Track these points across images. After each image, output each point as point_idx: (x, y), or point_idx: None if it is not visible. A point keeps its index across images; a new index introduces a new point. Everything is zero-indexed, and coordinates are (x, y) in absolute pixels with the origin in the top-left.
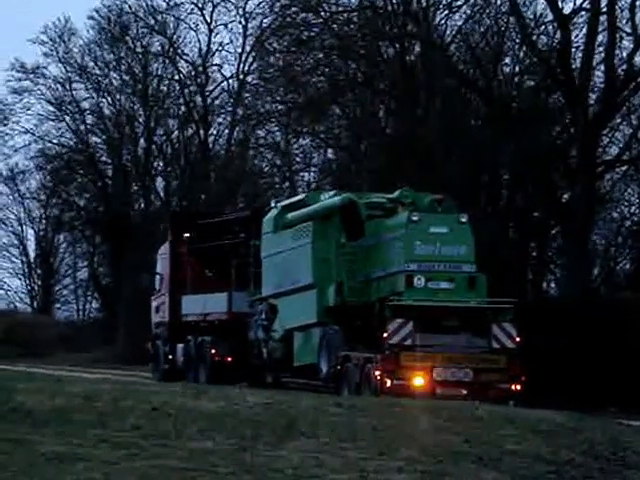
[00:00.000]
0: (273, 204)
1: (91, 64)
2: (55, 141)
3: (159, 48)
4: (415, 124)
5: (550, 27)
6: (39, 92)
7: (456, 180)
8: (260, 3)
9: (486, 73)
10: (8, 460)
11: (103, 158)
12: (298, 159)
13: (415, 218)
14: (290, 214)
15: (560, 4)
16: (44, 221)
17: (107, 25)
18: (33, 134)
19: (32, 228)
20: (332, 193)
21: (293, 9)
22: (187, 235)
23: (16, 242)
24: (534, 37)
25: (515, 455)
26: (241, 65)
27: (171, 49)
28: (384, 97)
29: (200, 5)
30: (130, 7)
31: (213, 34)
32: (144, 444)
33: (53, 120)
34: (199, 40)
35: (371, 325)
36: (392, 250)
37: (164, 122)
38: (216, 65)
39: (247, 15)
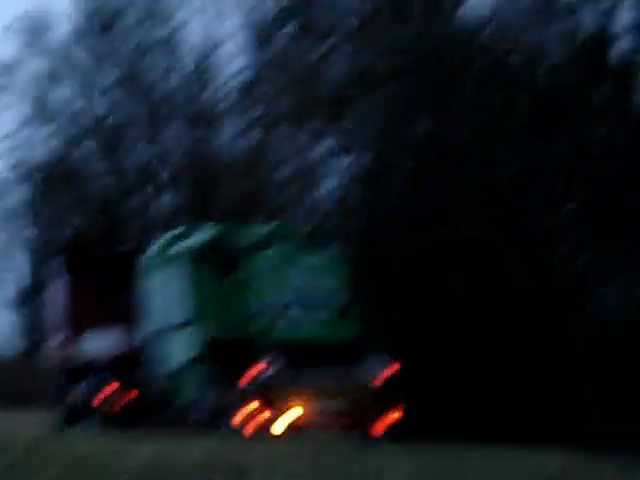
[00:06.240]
0: (154, 239)
1: (79, 56)
2: (38, 148)
3: (159, 38)
4: (450, 120)
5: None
6: (17, 91)
7: (501, 185)
8: None
9: (528, 60)
10: None
11: (97, 167)
12: (321, 165)
13: (285, 251)
14: (169, 248)
15: None
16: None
17: (97, 11)
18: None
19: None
20: (208, 228)
21: None
22: (84, 270)
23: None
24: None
25: None
26: (252, 56)
27: (172, 39)
28: (410, 90)
29: None
30: None
31: (221, 21)
32: None
33: (35, 124)
34: (203, 29)
35: (247, 361)
36: (264, 284)
37: (167, 125)
38: (224, 58)
39: None
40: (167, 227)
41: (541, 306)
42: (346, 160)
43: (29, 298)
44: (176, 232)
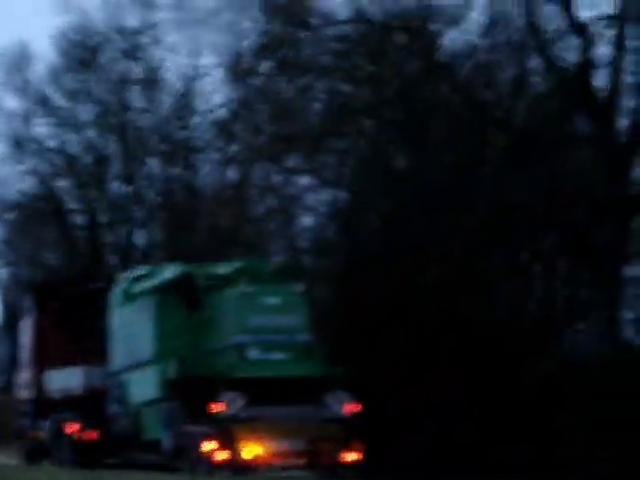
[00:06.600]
0: (121, 276)
1: (55, 95)
2: (12, 186)
3: (135, 75)
4: (424, 160)
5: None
6: None
7: (469, 226)
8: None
9: (504, 99)
10: None
11: (71, 206)
12: (299, 201)
13: (248, 289)
14: (135, 287)
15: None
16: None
17: (73, 49)
18: None
19: None
20: (173, 266)
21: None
22: (52, 307)
23: None
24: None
25: None
26: (229, 93)
27: (149, 76)
28: (388, 127)
29: (181, 24)
30: (100, 28)
31: (198, 57)
32: None
33: (10, 162)
34: (181, 65)
35: (210, 399)
36: (227, 322)
37: (143, 162)
38: (201, 95)
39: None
40: (142, 264)
41: (508, 347)
42: (322, 197)
43: (4, 336)
44: (142, 271)
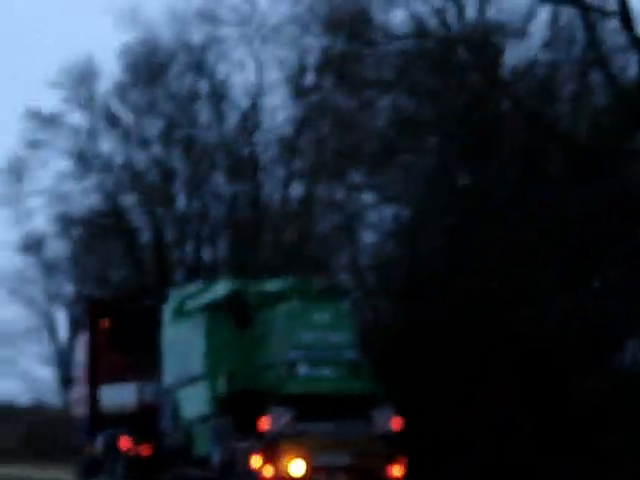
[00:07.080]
0: (173, 292)
1: (121, 109)
2: (79, 202)
3: (202, 90)
4: (487, 175)
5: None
6: (58, 145)
7: (530, 243)
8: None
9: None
10: None
11: (137, 223)
12: (362, 217)
13: (297, 306)
14: (187, 303)
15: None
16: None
17: (139, 64)
18: (52, 194)
19: (63, 307)
20: (225, 283)
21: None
22: (107, 323)
23: (45, 324)
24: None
25: None
26: (293, 109)
27: (215, 91)
28: (451, 143)
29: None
30: (166, 43)
31: (263, 73)
32: None
33: (76, 178)
34: (246, 80)
35: (259, 414)
36: (276, 339)
37: (209, 178)
38: (265, 111)
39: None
40: (207, 280)
41: (561, 362)
42: (385, 214)
43: (65, 353)
44: (194, 287)
